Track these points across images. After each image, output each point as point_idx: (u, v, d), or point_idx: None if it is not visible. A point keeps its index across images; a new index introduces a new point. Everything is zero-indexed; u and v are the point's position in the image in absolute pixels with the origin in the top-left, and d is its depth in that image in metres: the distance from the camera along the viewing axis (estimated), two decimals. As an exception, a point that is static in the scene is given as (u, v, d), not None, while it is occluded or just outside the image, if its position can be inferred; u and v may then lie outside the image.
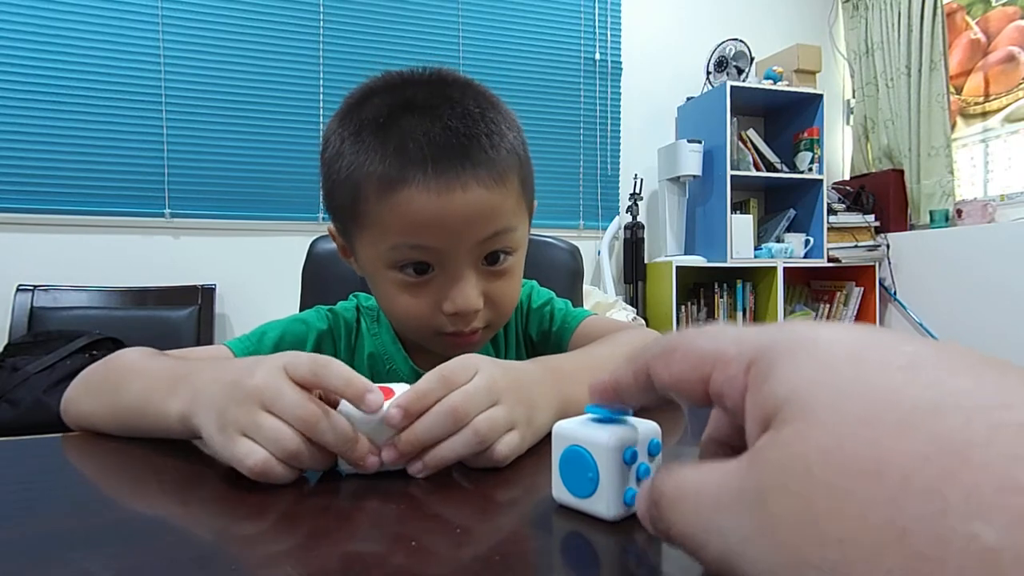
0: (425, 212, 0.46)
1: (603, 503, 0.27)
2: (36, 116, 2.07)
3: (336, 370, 0.32)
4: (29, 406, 1.55)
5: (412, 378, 0.62)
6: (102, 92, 2.13)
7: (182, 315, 2.03)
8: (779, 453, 0.15)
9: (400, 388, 0.35)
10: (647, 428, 0.29)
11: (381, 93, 0.50)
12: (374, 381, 0.33)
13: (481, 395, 0.34)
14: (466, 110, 0.48)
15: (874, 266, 2.77)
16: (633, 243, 2.65)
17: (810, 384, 0.15)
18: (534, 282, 0.73)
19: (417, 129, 0.47)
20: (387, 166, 0.46)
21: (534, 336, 0.69)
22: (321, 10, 2.37)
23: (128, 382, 0.41)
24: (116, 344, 1.75)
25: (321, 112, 2.37)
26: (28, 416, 1.55)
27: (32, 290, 1.99)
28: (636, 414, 0.30)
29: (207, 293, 2.14)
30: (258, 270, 2.28)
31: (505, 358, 0.67)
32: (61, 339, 1.71)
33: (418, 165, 0.46)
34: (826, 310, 2.87)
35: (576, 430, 0.29)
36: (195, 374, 0.37)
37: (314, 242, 0.94)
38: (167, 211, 2.20)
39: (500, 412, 0.34)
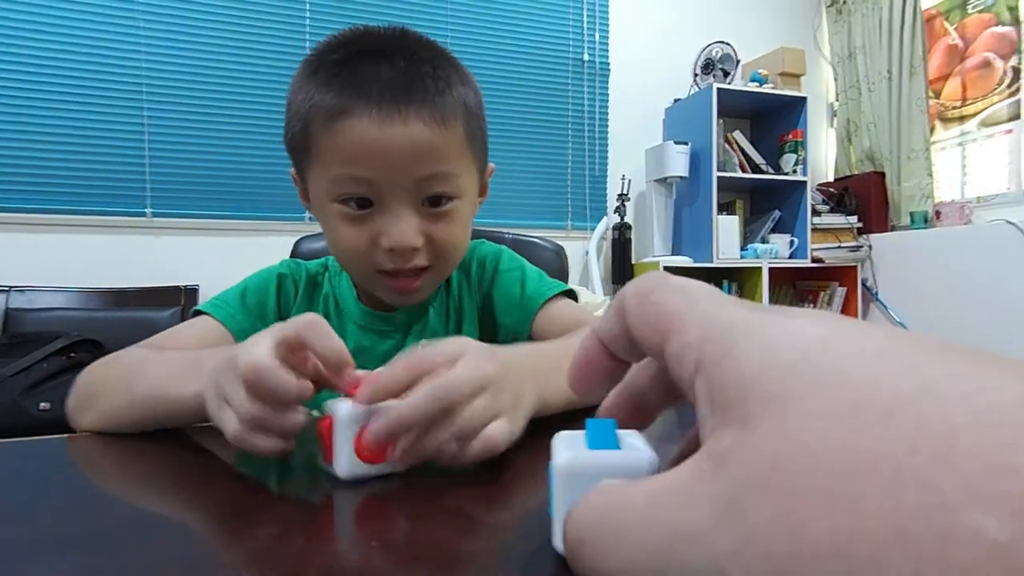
0: (365, 141, 0.49)
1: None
2: (13, 114, 2.02)
3: (322, 330, 0.33)
4: (5, 409, 1.51)
5: (361, 319, 0.64)
6: (81, 90, 2.08)
7: (164, 316, 1.99)
8: (754, 454, 0.13)
9: None
10: (647, 459, 0.20)
11: (345, 40, 0.54)
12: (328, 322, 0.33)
13: (466, 385, 0.33)
14: (419, 57, 0.52)
15: (856, 266, 2.82)
16: (621, 244, 2.67)
17: (779, 372, 0.13)
18: (506, 247, 0.71)
19: (368, 69, 0.51)
20: (333, 98, 0.50)
21: (497, 299, 0.66)
22: (307, 9, 2.34)
23: (140, 376, 0.43)
24: (95, 346, 1.71)
25: (307, 110, 2.34)
26: (4, 419, 1.51)
27: (7, 291, 1.93)
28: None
29: (189, 294, 2.11)
30: (241, 270, 2.19)
31: (462, 318, 0.67)
32: (38, 341, 1.67)
33: (362, 98, 0.49)
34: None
35: (584, 468, 0.20)
36: (207, 359, 0.38)
37: (298, 242, 0.93)
38: (148, 210, 2.16)
39: (483, 403, 0.33)
